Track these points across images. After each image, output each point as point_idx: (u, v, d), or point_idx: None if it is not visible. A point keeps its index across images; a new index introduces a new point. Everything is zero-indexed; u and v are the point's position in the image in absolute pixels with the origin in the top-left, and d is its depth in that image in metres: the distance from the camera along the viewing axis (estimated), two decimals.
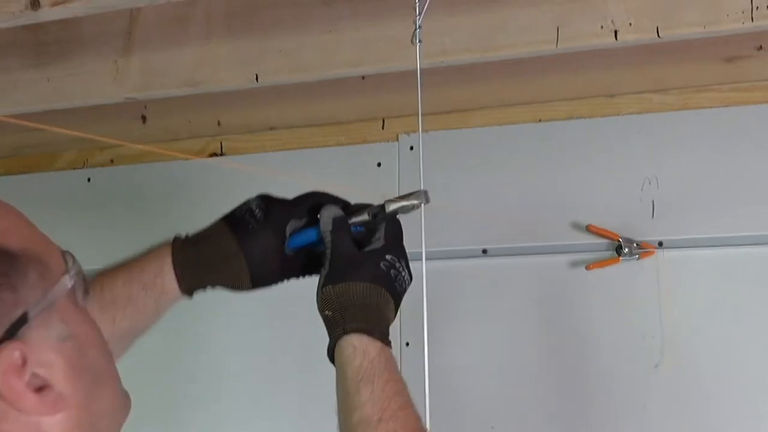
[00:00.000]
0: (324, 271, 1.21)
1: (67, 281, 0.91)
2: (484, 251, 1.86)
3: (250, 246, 1.27)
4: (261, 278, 1.29)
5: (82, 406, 0.90)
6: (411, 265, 1.24)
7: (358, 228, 1.26)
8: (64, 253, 0.95)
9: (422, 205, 1.26)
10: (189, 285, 1.27)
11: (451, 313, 1.86)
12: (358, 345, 1.14)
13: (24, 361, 0.86)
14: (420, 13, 1.24)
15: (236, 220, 1.28)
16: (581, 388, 1.77)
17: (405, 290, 1.23)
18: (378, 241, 1.23)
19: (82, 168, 2.22)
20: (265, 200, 1.30)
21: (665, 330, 1.73)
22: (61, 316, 0.89)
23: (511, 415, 1.82)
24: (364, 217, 1.26)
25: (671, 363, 1.72)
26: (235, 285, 1.29)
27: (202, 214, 2.06)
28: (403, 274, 1.22)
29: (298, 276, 1.32)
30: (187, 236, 1.30)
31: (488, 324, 1.85)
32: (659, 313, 1.73)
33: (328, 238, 1.24)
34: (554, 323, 1.80)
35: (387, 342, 1.16)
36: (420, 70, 1.28)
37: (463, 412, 1.85)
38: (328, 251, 1.23)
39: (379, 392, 1.11)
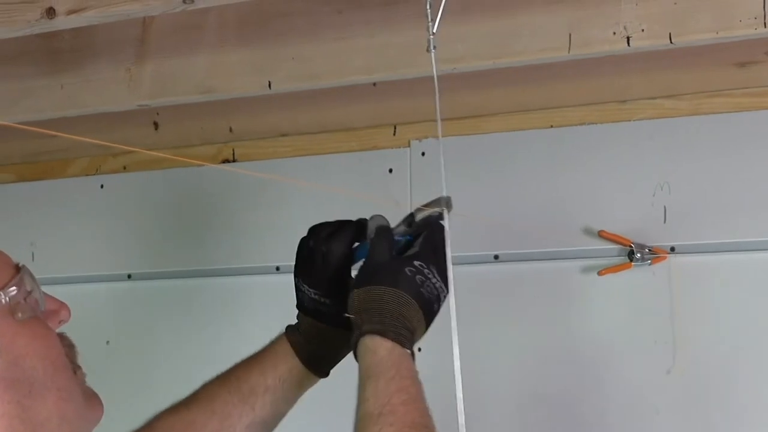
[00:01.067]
0: (356, 276, 1.25)
1: (2, 297, 0.94)
2: (496, 257, 1.86)
3: (344, 320, 1.30)
4: None
5: (15, 416, 0.92)
6: None
7: (408, 237, 1.28)
8: (18, 267, 0.98)
9: (446, 211, 1.27)
10: (323, 371, 1.36)
11: (463, 319, 1.84)
12: (369, 345, 1.17)
13: None
14: (433, 20, 1.24)
15: (317, 314, 1.34)
16: (594, 394, 1.77)
17: (438, 297, 1.23)
18: (414, 248, 1.25)
19: (95, 174, 2.23)
20: (316, 283, 1.34)
21: (677, 335, 1.73)
22: None
23: (523, 420, 1.82)
24: (402, 226, 1.29)
25: (683, 368, 1.72)
26: None
27: (214, 220, 2.09)
28: (433, 281, 1.22)
29: None
30: (295, 333, 1.36)
31: (500, 330, 1.85)
32: (671, 318, 1.73)
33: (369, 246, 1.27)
34: (566, 329, 1.80)
35: (402, 343, 1.17)
36: (436, 77, 1.28)
37: (474, 416, 1.84)
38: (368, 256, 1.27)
39: (383, 388, 1.13)
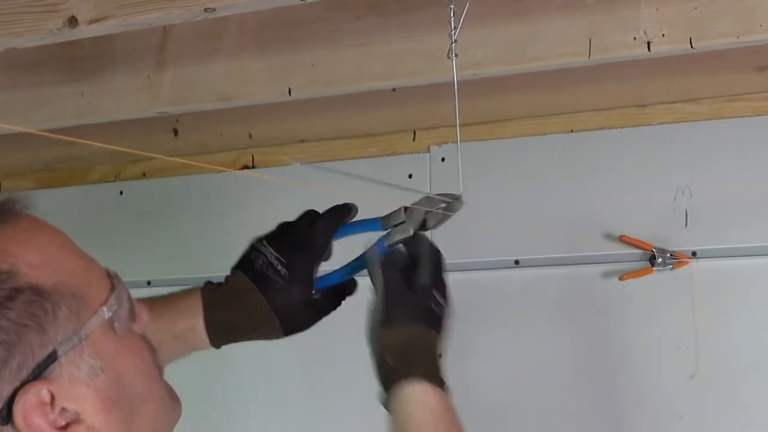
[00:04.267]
0: (378, 313, 1.21)
1: (104, 313, 0.92)
2: (516, 262, 1.85)
3: (281, 305, 1.28)
4: (293, 329, 1.31)
5: None
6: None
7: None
8: (112, 278, 0.96)
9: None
10: (221, 343, 1.30)
11: (483, 325, 1.85)
12: (421, 397, 1.14)
13: (52, 398, 0.87)
14: (456, 28, 1.24)
15: (261, 277, 1.29)
16: (615, 400, 1.77)
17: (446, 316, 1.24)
18: (422, 270, 1.22)
19: (114, 181, 2.24)
20: (283, 250, 1.30)
21: (700, 340, 1.72)
22: (94, 350, 0.90)
23: (544, 427, 1.82)
24: (406, 235, 1.27)
25: (706, 373, 1.71)
26: (268, 338, 1.31)
27: (233, 226, 2.09)
28: (445, 308, 1.23)
29: (326, 314, 1.33)
30: (215, 288, 1.31)
31: (521, 335, 1.84)
32: (694, 323, 1.72)
33: (378, 275, 1.23)
34: (587, 334, 1.80)
35: (445, 387, 1.16)
36: (456, 84, 1.29)
37: (495, 424, 1.84)
38: (379, 289, 1.22)
39: None
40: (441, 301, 1.22)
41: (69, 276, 0.91)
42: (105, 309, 0.92)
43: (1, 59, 1.76)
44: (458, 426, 1.14)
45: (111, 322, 0.92)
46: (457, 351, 1.82)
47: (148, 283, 2.17)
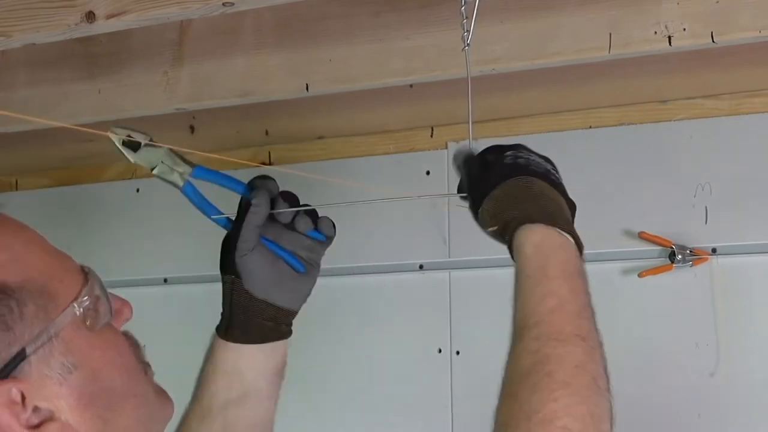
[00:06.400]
0: (469, 202, 1.19)
1: (75, 309, 0.90)
2: None
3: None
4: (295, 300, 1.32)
5: (97, 431, 0.90)
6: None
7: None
8: (86, 274, 0.94)
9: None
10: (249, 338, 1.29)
11: (501, 322, 1.84)
12: (516, 244, 1.09)
13: (23, 398, 0.86)
14: (468, 18, 1.23)
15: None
16: (634, 397, 1.75)
17: (547, 169, 1.17)
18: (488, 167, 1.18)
19: (131, 179, 2.24)
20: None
21: (720, 338, 1.71)
22: (66, 347, 0.89)
23: None
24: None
25: (726, 371, 1.70)
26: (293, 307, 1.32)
27: None
28: (531, 158, 1.18)
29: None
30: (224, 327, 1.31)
31: None
32: (713, 320, 1.71)
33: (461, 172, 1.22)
34: (606, 331, 1.77)
35: (553, 222, 1.09)
36: (469, 75, 1.28)
37: None
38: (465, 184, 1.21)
39: (528, 297, 1.06)
40: (521, 153, 1.18)
41: (36, 273, 0.89)
42: (76, 305, 0.90)
43: (19, 55, 1.77)
44: (559, 276, 1.06)
45: (83, 317, 0.91)
46: (472, 349, 1.83)
47: (165, 280, 2.18)
